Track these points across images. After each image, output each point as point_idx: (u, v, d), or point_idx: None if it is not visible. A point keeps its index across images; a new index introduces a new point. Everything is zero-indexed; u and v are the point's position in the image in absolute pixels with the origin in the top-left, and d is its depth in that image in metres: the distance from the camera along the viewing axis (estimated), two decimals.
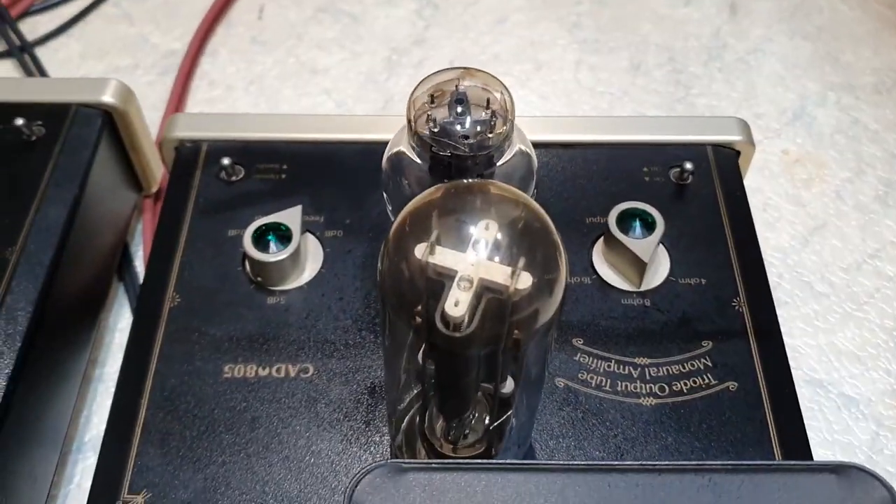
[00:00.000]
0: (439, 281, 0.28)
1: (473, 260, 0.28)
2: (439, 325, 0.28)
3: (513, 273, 0.27)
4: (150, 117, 0.56)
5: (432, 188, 0.29)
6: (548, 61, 0.66)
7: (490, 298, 0.28)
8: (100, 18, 0.68)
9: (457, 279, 0.28)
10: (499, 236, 0.28)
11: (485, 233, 0.28)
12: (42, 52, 0.65)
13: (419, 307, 0.28)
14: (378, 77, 0.65)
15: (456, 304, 0.27)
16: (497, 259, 0.28)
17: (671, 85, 0.65)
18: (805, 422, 0.48)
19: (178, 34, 0.66)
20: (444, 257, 0.28)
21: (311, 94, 0.63)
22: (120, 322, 0.52)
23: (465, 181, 0.30)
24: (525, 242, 0.28)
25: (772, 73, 0.66)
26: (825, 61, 0.67)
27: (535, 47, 0.67)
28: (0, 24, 0.64)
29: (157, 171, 0.54)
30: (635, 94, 0.65)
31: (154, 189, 0.55)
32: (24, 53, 0.63)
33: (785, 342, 0.50)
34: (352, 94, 0.63)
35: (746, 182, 0.52)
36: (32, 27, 0.66)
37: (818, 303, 0.54)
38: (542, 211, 0.29)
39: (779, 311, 0.53)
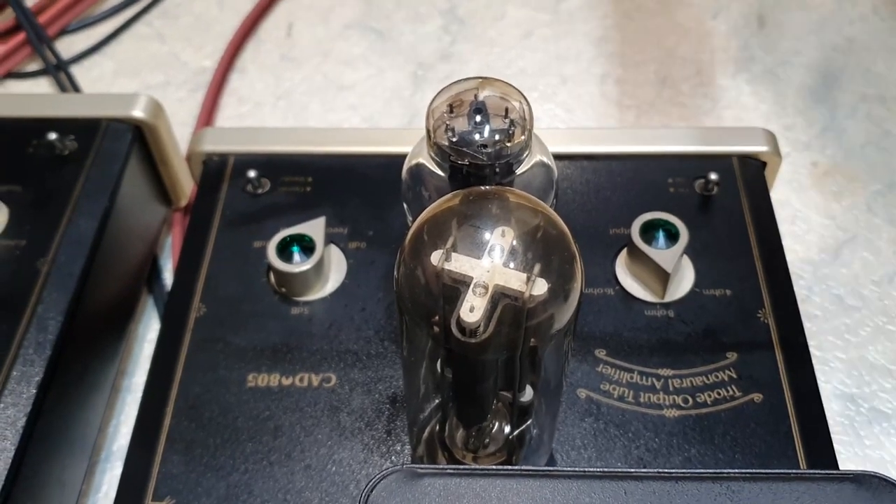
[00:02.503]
0: (455, 287, 0.28)
1: (489, 266, 0.28)
2: (455, 330, 0.28)
3: (528, 279, 0.28)
4: (180, 133, 0.58)
5: (449, 195, 0.30)
6: (573, 75, 0.66)
7: (506, 305, 0.28)
8: (133, 37, 0.69)
9: (472, 285, 0.28)
10: (514, 242, 0.28)
11: (500, 239, 0.28)
12: (77, 70, 0.66)
13: (435, 313, 0.29)
14: (404, 92, 0.65)
15: (471, 310, 0.27)
16: (513, 265, 0.28)
17: (699, 98, 0.65)
18: (836, 437, 0.48)
19: (209, 52, 0.68)
20: (459, 263, 0.28)
21: (337, 110, 0.64)
22: (149, 333, 0.53)
23: (481, 188, 0.30)
24: (541, 249, 0.28)
25: (801, 84, 0.66)
26: (856, 73, 0.66)
27: (560, 61, 0.67)
28: (37, 43, 0.66)
29: (187, 186, 0.55)
30: (662, 107, 0.64)
31: (183, 203, 0.56)
32: (59, 71, 0.65)
33: (815, 356, 0.49)
34: (378, 109, 0.64)
35: (775, 194, 0.52)
36: (68, 46, 0.68)
37: (849, 316, 0.53)
38: (558, 218, 0.29)
39: (808, 325, 0.53)
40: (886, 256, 0.56)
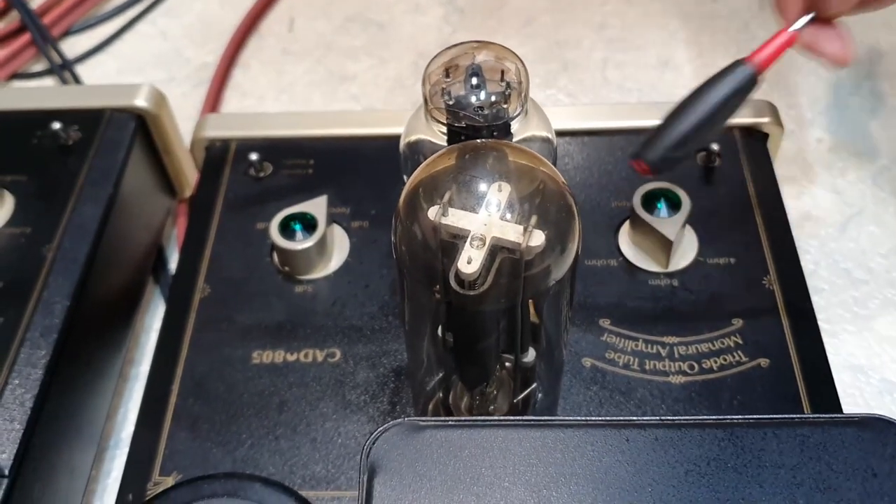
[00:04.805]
0: (453, 242, 0.28)
1: (485, 219, 0.28)
2: (453, 283, 0.28)
3: (525, 231, 0.27)
4: (184, 128, 0.58)
5: (443, 150, 0.30)
6: (574, 60, 0.66)
7: (504, 257, 0.28)
8: (136, 36, 0.70)
9: (469, 238, 0.28)
10: (511, 195, 0.28)
11: (497, 192, 0.28)
12: (81, 69, 0.67)
13: (434, 268, 0.29)
14: (405, 82, 0.65)
15: (469, 262, 0.27)
16: (510, 217, 0.28)
17: (701, 79, 0.64)
18: (846, 408, 0.47)
19: (212, 48, 0.68)
20: (456, 218, 0.28)
21: (340, 101, 0.64)
22: (156, 322, 0.53)
23: (476, 141, 0.30)
24: (537, 200, 0.28)
25: (804, 63, 0.65)
26: (859, 49, 0.66)
27: (561, 47, 0.67)
28: (42, 44, 0.66)
29: (191, 176, 0.55)
30: (664, 89, 0.64)
31: (188, 193, 0.56)
32: (64, 70, 0.66)
33: (823, 329, 0.49)
34: (380, 99, 0.64)
35: (780, 171, 0.52)
36: (72, 46, 0.69)
37: (857, 289, 0.53)
38: (554, 170, 0.29)
39: (816, 298, 0.52)
40: (893, 229, 0.55)
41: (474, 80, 0.33)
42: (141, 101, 0.51)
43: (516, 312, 0.30)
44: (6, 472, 0.37)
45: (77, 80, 0.65)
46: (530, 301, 0.30)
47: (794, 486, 0.26)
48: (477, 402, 0.35)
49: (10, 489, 0.37)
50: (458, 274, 0.27)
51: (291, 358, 0.41)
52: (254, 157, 0.48)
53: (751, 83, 0.39)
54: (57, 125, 0.49)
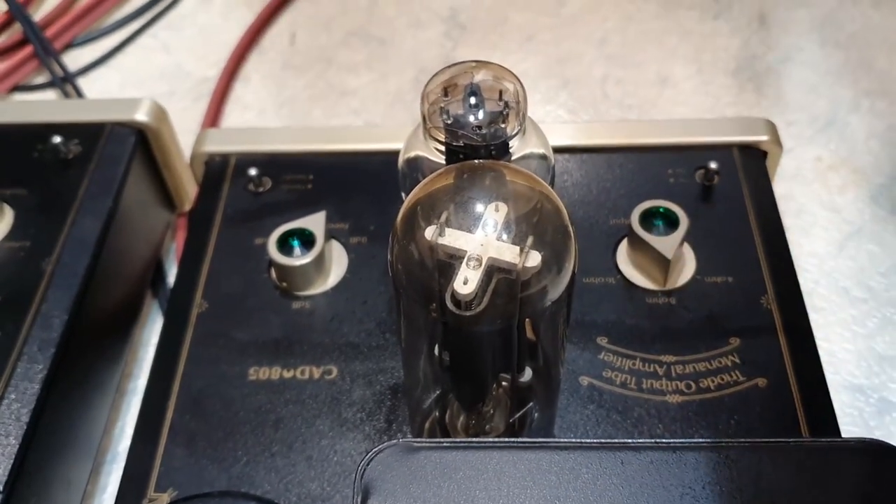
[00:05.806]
0: (449, 263, 0.28)
1: (482, 239, 0.28)
2: (449, 304, 0.28)
3: (522, 251, 0.27)
4: (185, 141, 0.58)
5: (441, 170, 0.30)
6: (575, 76, 0.66)
7: (500, 278, 0.28)
8: (138, 49, 0.70)
9: (466, 258, 0.28)
10: (508, 215, 0.28)
11: (494, 212, 0.28)
12: (83, 83, 0.67)
13: (431, 288, 0.29)
14: (406, 97, 0.66)
15: (465, 283, 0.27)
16: (506, 238, 0.28)
17: (700, 95, 0.65)
18: (845, 428, 0.47)
19: (213, 61, 0.68)
20: (453, 238, 0.28)
21: (340, 115, 0.64)
22: (154, 337, 0.53)
23: (474, 162, 0.30)
24: (534, 221, 0.28)
25: (803, 81, 0.66)
26: (858, 68, 0.66)
27: (562, 64, 0.67)
28: (44, 57, 0.66)
29: (191, 190, 0.56)
30: (664, 106, 0.64)
31: (187, 207, 0.56)
32: (66, 83, 0.66)
33: (822, 347, 0.49)
34: (381, 114, 0.64)
35: (778, 189, 0.52)
36: (74, 59, 0.69)
37: (856, 308, 0.53)
38: (550, 190, 0.29)
39: (815, 317, 0.52)
40: (892, 248, 0.55)
41: (472, 100, 0.33)
42: (141, 116, 0.51)
43: (513, 332, 0.30)
44: (1, 487, 0.37)
45: (79, 93, 0.66)
46: (527, 321, 0.30)
47: None
48: (473, 421, 0.35)
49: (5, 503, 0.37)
50: (454, 294, 0.27)
51: (288, 375, 0.41)
52: (253, 171, 0.48)
53: None
54: (57, 139, 0.49)
